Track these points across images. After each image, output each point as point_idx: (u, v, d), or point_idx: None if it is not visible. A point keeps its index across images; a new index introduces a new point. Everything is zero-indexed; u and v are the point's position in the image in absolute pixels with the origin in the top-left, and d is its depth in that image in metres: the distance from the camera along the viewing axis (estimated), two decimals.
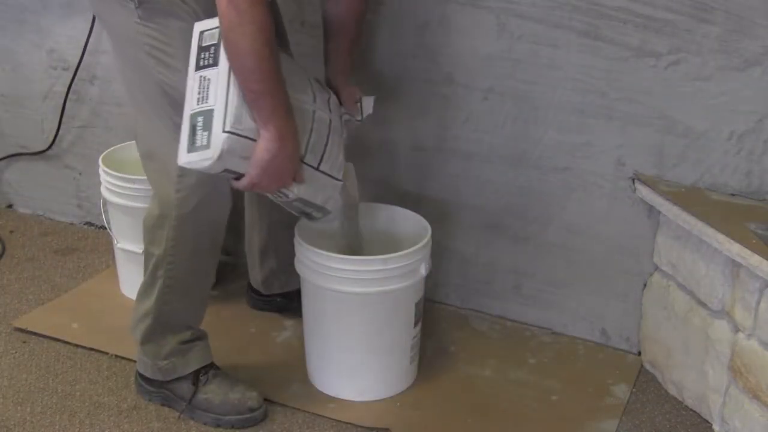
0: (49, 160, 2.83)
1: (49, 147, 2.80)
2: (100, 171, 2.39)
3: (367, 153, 2.29)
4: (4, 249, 2.71)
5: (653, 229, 2.15)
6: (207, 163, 1.67)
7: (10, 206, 2.96)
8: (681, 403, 2.11)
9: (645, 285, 2.21)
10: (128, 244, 2.38)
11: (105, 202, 2.41)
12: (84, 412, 2.03)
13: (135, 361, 2.07)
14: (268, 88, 1.66)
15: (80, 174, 2.82)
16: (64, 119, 2.74)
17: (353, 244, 2.13)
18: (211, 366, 2.04)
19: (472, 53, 2.20)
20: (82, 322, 2.33)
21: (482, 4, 2.14)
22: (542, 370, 2.21)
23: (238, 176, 1.73)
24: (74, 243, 2.76)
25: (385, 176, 2.36)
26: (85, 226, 2.86)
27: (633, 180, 2.14)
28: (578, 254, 2.27)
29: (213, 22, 1.70)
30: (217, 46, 1.70)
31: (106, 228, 2.48)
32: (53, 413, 2.02)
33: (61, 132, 2.76)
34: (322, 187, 1.88)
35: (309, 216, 1.95)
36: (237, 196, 2.00)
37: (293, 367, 2.17)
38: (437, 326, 2.36)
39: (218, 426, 1.98)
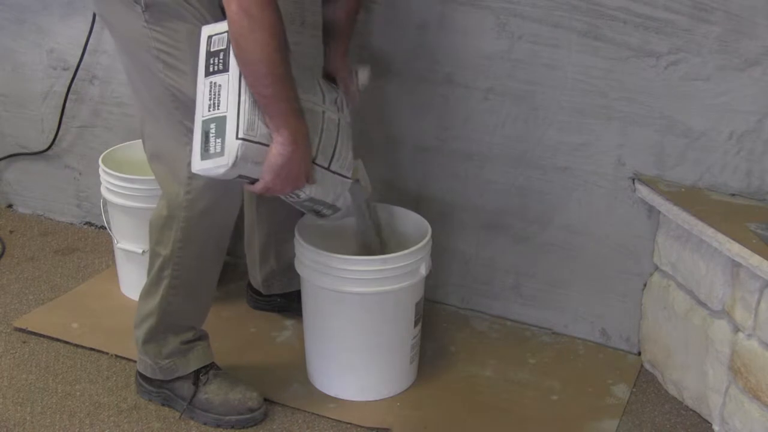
0: (49, 160, 2.83)
1: (49, 147, 2.79)
2: (100, 171, 2.39)
3: (367, 153, 2.29)
4: (4, 249, 2.71)
5: (653, 229, 2.15)
6: (221, 171, 1.67)
7: (10, 206, 2.96)
8: (681, 403, 2.11)
9: (645, 285, 2.21)
10: (128, 244, 2.38)
11: (105, 202, 2.41)
12: (84, 412, 2.03)
13: (135, 361, 2.07)
14: (280, 92, 1.66)
15: (80, 174, 2.81)
16: (64, 119, 2.73)
17: (371, 241, 2.11)
18: (212, 366, 2.04)
19: (472, 53, 2.19)
20: (82, 322, 2.33)
21: (482, 3, 2.14)
22: (542, 370, 2.21)
23: (252, 181, 1.73)
24: (74, 243, 2.76)
25: (386, 176, 2.36)
26: (85, 226, 2.86)
27: (633, 180, 2.14)
28: (578, 254, 2.27)
29: (221, 26, 1.69)
30: (226, 51, 1.68)
31: (106, 228, 2.48)
32: (53, 413, 2.02)
33: (61, 132, 2.76)
34: (333, 186, 1.88)
35: (319, 213, 1.95)
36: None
37: (293, 367, 2.17)
38: (437, 326, 2.36)
39: (218, 426, 1.98)
